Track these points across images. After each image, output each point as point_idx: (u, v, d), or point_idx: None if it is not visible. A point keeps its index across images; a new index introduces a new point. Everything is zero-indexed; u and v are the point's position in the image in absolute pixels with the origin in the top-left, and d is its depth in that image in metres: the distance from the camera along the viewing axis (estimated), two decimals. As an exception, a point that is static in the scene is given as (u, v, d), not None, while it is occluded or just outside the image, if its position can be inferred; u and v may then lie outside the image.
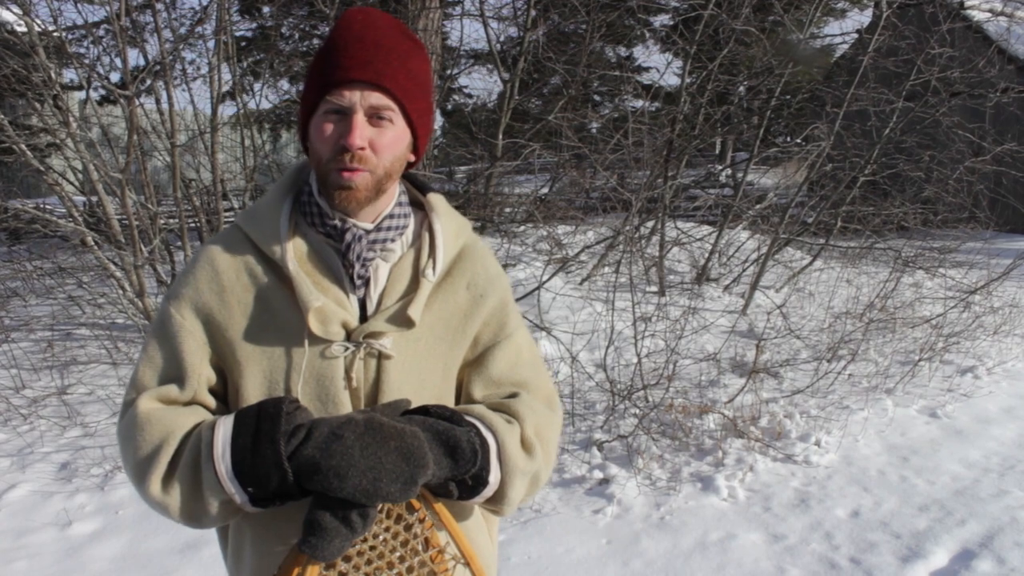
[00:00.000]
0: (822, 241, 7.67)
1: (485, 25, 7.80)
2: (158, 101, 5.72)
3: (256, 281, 1.09)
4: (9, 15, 5.42)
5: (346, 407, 1.07)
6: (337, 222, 1.08)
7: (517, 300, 5.59)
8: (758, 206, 8.10)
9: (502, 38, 9.32)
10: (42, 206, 6.95)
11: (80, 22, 11.33)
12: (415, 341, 1.11)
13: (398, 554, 1.01)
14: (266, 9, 10.11)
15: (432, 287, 1.12)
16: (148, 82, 5.67)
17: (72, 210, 5.37)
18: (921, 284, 7.92)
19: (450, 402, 1.17)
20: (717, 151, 14.23)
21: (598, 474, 3.58)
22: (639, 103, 11.13)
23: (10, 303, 6.26)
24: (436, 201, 1.18)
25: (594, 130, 10.77)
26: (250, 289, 1.09)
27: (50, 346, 5.32)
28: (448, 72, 10.42)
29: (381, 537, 1.00)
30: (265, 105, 10.58)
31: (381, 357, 1.09)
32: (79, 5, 6.18)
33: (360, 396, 1.09)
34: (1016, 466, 3.82)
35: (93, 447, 3.90)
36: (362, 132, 1.02)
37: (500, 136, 7.35)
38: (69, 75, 12.48)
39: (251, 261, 1.10)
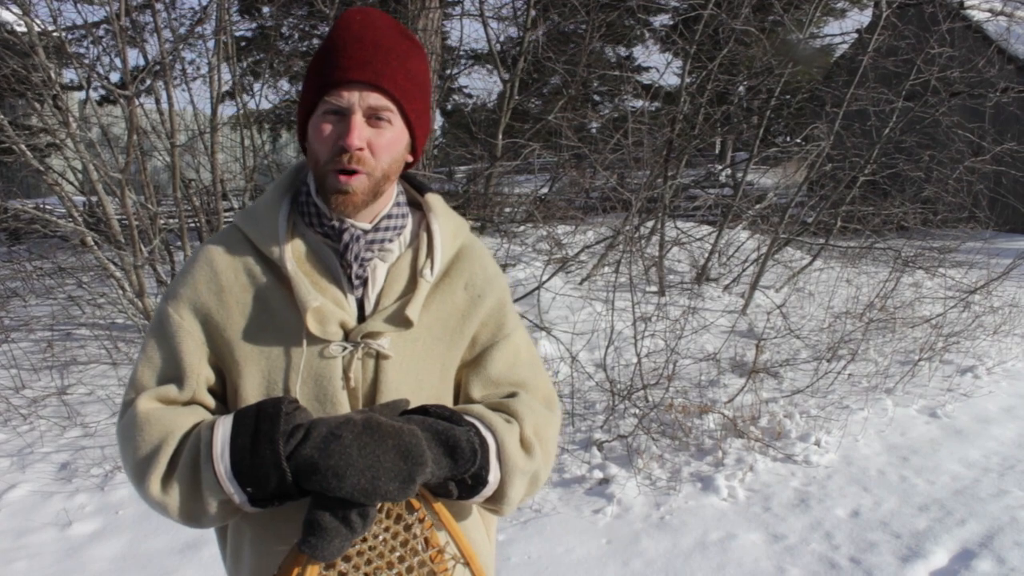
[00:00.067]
0: (822, 241, 7.67)
1: (485, 25, 7.81)
2: (158, 101, 5.72)
3: (254, 281, 1.09)
4: (9, 15, 5.42)
5: (344, 407, 1.07)
6: (335, 222, 1.08)
7: (517, 300, 5.60)
8: (758, 206, 8.10)
9: (502, 38, 9.33)
10: (42, 206, 6.95)
11: (80, 22, 11.34)
12: (413, 341, 1.11)
13: (398, 554, 1.01)
14: (266, 9, 10.11)
15: (430, 287, 1.13)
16: (148, 82, 5.67)
17: (72, 210, 5.37)
18: (921, 284, 7.92)
19: (448, 402, 1.17)
20: (717, 151, 14.23)
21: (598, 474, 3.58)
22: (639, 103, 11.13)
23: (10, 303, 6.26)
24: (434, 201, 1.18)
25: (594, 130, 10.77)
26: (248, 289, 1.09)
27: (50, 346, 5.32)
28: (448, 72, 10.42)
29: (381, 537, 1.00)
30: (265, 105, 10.59)
31: (379, 357, 1.09)
32: (79, 5, 6.18)
33: (358, 396, 1.09)
34: (1016, 466, 3.82)
35: (93, 447, 3.90)
36: (360, 133, 1.02)
37: (500, 136, 7.35)
38: (69, 75, 12.49)
39: (249, 261, 1.10)
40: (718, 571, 2.88)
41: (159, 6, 5.59)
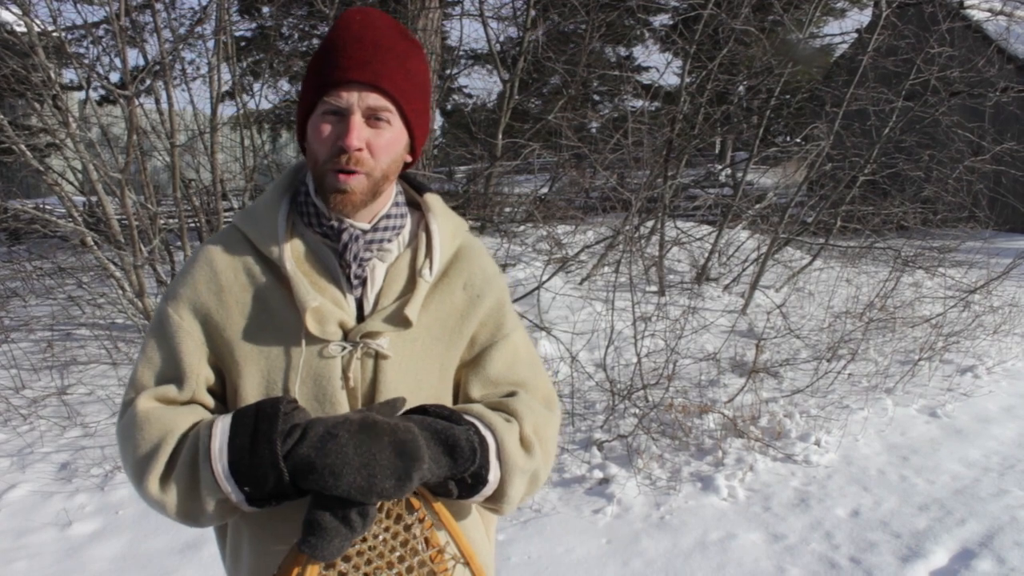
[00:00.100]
0: (822, 241, 7.67)
1: (485, 25, 7.81)
2: (158, 101, 5.72)
3: (254, 281, 1.09)
4: (9, 15, 5.42)
5: (343, 407, 1.07)
6: (334, 222, 1.08)
7: (517, 300, 5.60)
8: (758, 206, 8.10)
9: (502, 38, 9.32)
10: (42, 206, 6.95)
11: (80, 22, 11.34)
12: (412, 341, 1.11)
13: (398, 554, 1.01)
14: (266, 9, 10.11)
15: (429, 287, 1.13)
16: (148, 82, 5.67)
17: (72, 210, 5.36)
18: (921, 283, 7.92)
19: (447, 402, 1.17)
20: (717, 151, 14.23)
21: (598, 474, 3.58)
22: (639, 103, 11.12)
23: (10, 303, 6.26)
24: (433, 201, 1.18)
25: (594, 130, 10.77)
26: (248, 289, 1.09)
27: (50, 346, 5.32)
28: (448, 72, 10.42)
29: (381, 537, 1.00)
30: (265, 105, 10.59)
31: (378, 357, 1.09)
32: (79, 5, 6.19)
33: (357, 396, 1.09)
34: (1016, 465, 3.82)
35: (93, 447, 3.90)
36: (359, 133, 1.02)
37: (500, 136, 7.35)
38: (69, 75, 12.48)
39: (249, 261, 1.10)
40: (718, 571, 2.88)
41: (159, 6, 5.59)
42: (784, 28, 8.33)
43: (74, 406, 4.42)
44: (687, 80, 7.11)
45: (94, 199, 5.88)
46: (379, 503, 0.97)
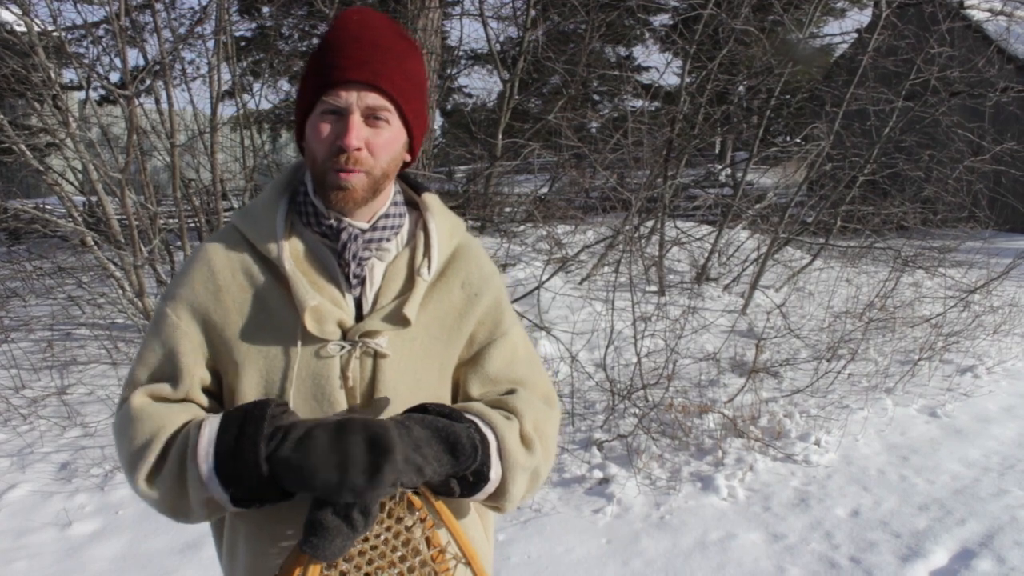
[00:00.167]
0: (822, 240, 7.67)
1: (485, 25, 7.80)
2: (158, 101, 5.72)
3: (252, 281, 1.10)
4: (9, 15, 5.41)
5: (342, 406, 1.08)
6: (333, 221, 1.08)
7: (517, 300, 5.60)
8: (758, 206, 8.10)
9: (502, 38, 9.32)
10: (42, 206, 6.94)
11: (79, 22, 11.33)
12: (411, 340, 1.11)
13: (399, 553, 1.01)
14: (265, 9, 10.10)
15: (427, 286, 1.13)
16: (148, 82, 5.67)
17: (72, 210, 5.36)
18: (921, 283, 7.92)
19: (447, 401, 1.17)
20: (717, 151, 14.23)
21: (598, 474, 3.58)
22: (639, 103, 11.12)
23: (10, 303, 6.26)
24: (431, 201, 1.19)
25: (594, 130, 10.77)
26: (246, 289, 1.09)
27: (50, 346, 5.32)
28: (448, 72, 10.42)
29: (382, 537, 1.00)
30: (265, 105, 10.59)
31: (377, 356, 1.09)
32: (79, 5, 6.18)
33: (356, 395, 1.09)
34: (1016, 465, 3.82)
35: (93, 447, 3.90)
36: (358, 133, 1.02)
37: (500, 136, 7.35)
38: (69, 75, 12.48)
39: (247, 260, 1.10)
40: (718, 571, 2.88)
41: (159, 6, 5.59)
42: (784, 28, 8.33)
43: (74, 406, 4.42)
44: (687, 80, 7.11)
45: (94, 199, 5.88)
46: (381, 502, 0.97)
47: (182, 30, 6.75)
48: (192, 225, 6.33)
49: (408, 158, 1.14)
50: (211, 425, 0.99)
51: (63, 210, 5.84)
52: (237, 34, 9.49)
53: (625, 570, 2.88)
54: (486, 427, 1.05)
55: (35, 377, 4.88)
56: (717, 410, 4.19)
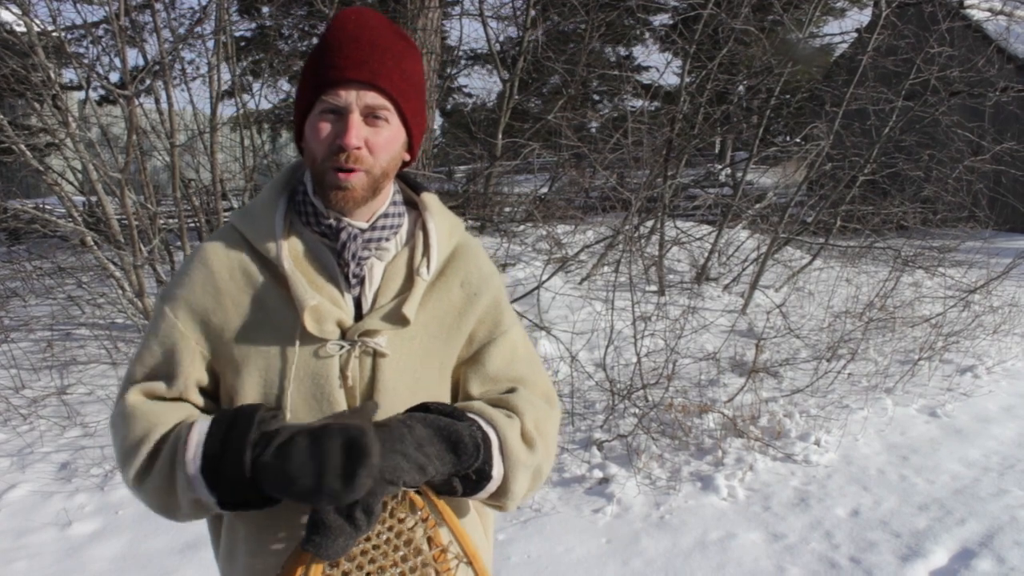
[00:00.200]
0: (822, 240, 7.67)
1: (484, 25, 7.80)
2: (157, 101, 5.72)
3: (251, 281, 1.10)
4: (8, 15, 5.41)
5: (341, 406, 1.08)
6: (332, 221, 1.09)
7: (517, 300, 5.60)
8: (757, 205, 8.10)
9: (501, 38, 9.31)
10: (41, 206, 6.94)
11: (79, 22, 11.33)
12: (410, 339, 1.11)
13: (401, 553, 1.01)
14: (265, 9, 10.10)
15: (426, 286, 1.13)
16: (147, 82, 5.67)
17: (71, 210, 5.36)
18: (921, 283, 7.92)
19: (446, 400, 1.17)
20: (717, 150, 14.23)
21: (598, 473, 3.58)
22: (638, 102, 11.12)
23: (10, 303, 6.26)
24: (429, 200, 1.19)
25: (593, 130, 10.78)
26: (245, 289, 1.10)
27: (50, 346, 5.32)
28: (447, 72, 10.42)
29: (384, 536, 1.00)
30: (264, 105, 10.59)
31: (376, 355, 1.09)
32: (78, 5, 6.18)
33: (356, 395, 1.09)
34: (1016, 465, 3.82)
35: (93, 447, 3.90)
36: (358, 132, 1.03)
37: (499, 136, 7.35)
38: (68, 75, 12.49)
39: (246, 260, 1.10)
40: (718, 570, 2.88)
41: (158, 6, 5.58)
42: (784, 28, 8.33)
43: (74, 406, 4.42)
44: (687, 80, 7.11)
45: (94, 199, 5.88)
46: (384, 501, 0.97)
47: (182, 30, 6.75)
48: (192, 225, 6.33)
49: (407, 157, 1.14)
50: (200, 427, 1.00)
51: (63, 210, 5.84)
52: (237, 34, 9.49)
53: (625, 570, 2.88)
54: (488, 425, 1.05)
55: (35, 377, 4.88)
56: (717, 410, 4.19)
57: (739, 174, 8.00)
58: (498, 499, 1.09)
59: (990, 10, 10.33)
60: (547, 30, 8.48)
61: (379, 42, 1.05)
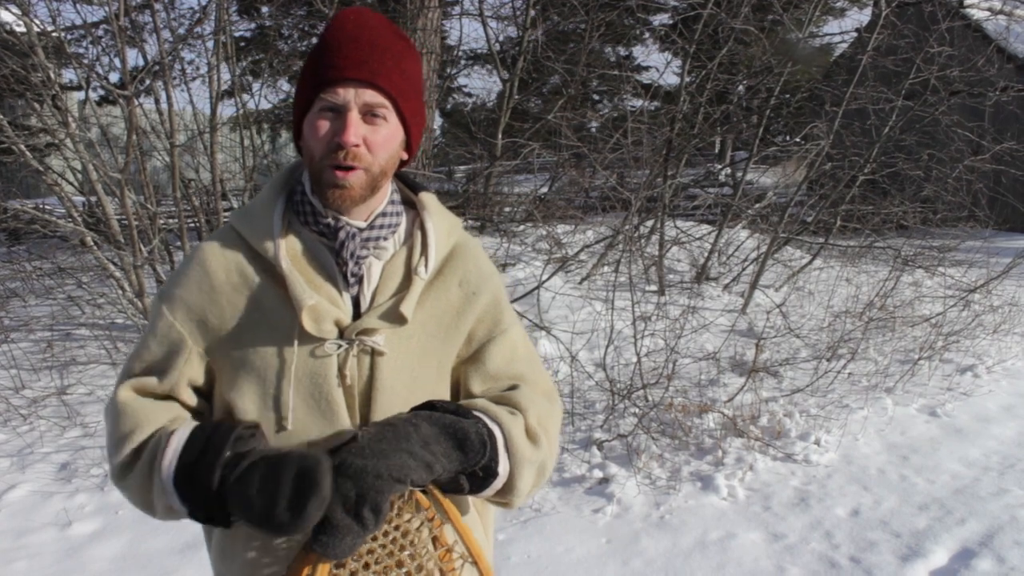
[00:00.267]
0: (821, 240, 7.67)
1: (484, 25, 7.80)
2: (157, 101, 5.72)
3: (248, 281, 1.10)
4: (8, 15, 5.41)
5: (340, 405, 1.08)
6: (330, 220, 1.09)
7: (517, 300, 5.59)
8: (757, 205, 8.10)
9: (501, 38, 9.31)
10: (41, 206, 6.94)
11: (79, 22, 11.33)
12: (407, 338, 1.12)
13: (407, 552, 1.01)
14: (265, 9, 10.10)
15: (424, 285, 1.13)
16: (147, 82, 5.67)
17: (71, 210, 5.36)
18: (921, 283, 7.92)
19: (446, 399, 1.17)
20: (716, 150, 14.22)
21: (598, 473, 3.58)
22: (638, 102, 11.12)
23: (10, 303, 6.26)
24: (428, 200, 1.19)
25: (593, 129, 10.77)
26: (242, 289, 1.10)
27: (50, 346, 5.32)
28: (447, 71, 10.42)
29: (391, 536, 1.00)
30: (264, 105, 10.60)
31: (374, 354, 1.09)
32: (78, 5, 6.18)
33: (354, 394, 1.09)
34: (1016, 464, 3.82)
35: (93, 447, 3.90)
36: (356, 129, 1.03)
37: (499, 135, 7.35)
38: (68, 75, 12.48)
39: (243, 260, 1.11)
40: (718, 570, 2.88)
41: (158, 6, 5.58)
42: (784, 27, 8.33)
43: (74, 406, 4.42)
44: (687, 80, 7.11)
45: (94, 199, 5.87)
46: (391, 500, 0.97)
47: (181, 30, 6.75)
48: (192, 225, 6.33)
49: (405, 156, 1.14)
50: (179, 436, 1.02)
51: (63, 210, 5.84)
52: (237, 34, 9.49)
53: (625, 570, 2.88)
54: (492, 422, 1.05)
55: (35, 377, 4.88)
56: (717, 410, 4.19)
57: (739, 174, 8.00)
58: (504, 496, 1.09)
59: (990, 10, 10.33)
60: (547, 30, 8.48)
61: (378, 42, 1.05)
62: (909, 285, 7.69)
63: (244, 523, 0.94)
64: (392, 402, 1.09)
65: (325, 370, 1.07)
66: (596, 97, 15.52)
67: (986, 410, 4.63)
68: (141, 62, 6.87)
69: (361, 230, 1.10)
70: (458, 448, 0.99)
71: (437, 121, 15.55)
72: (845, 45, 13.04)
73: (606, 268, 6.75)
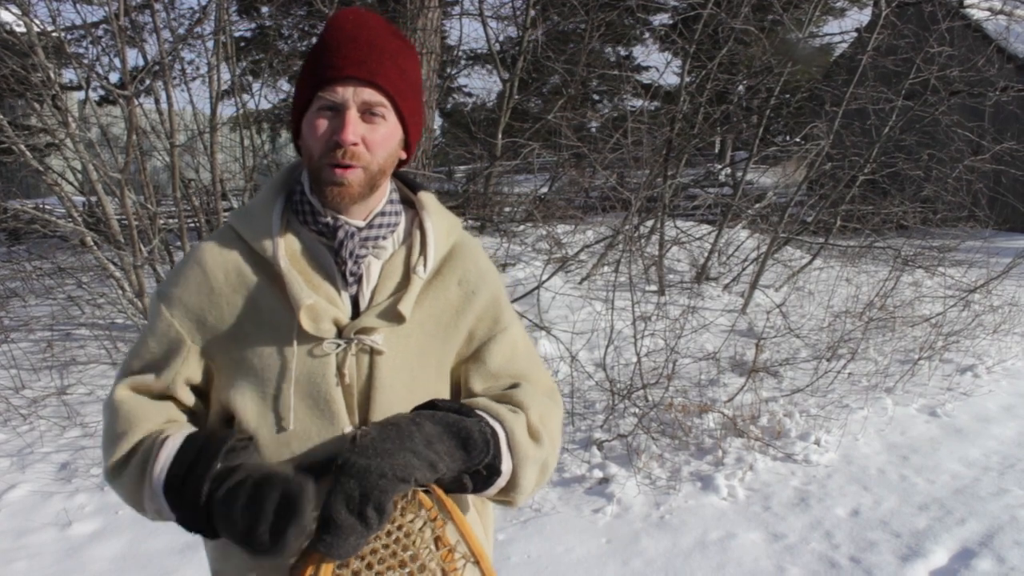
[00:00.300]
0: (821, 240, 7.67)
1: (484, 25, 7.80)
2: (157, 101, 5.72)
3: (246, 280, 1.10)
4: (8, 15, 5.41)
5: (338, 404, 1.08)
6: (329, 219, 1.09)
7: (517, 300, 5.59)
8: (757, 205, 8.10)
9: (501, 38, 9.32)
10: (41, 206, 6.94)
11: (79, 22, 11.32)
12: (406, 337, 1.12)
13: (409, 552, 1.01)
14: (265, 9, 10.10)
15: (423, 284, 1.13)
16: (147, 82, 5.67)
17: (71, 210, 5.37)
18: (921, 283, 7.92)
19: (445, 398, 1.17)
20: (716, 150, 14.23)
21: (598, 473, 3.58)
22: (638, 102, 11.12)
23: (10, 303, 6.26)
24: (427, 199, 1.19)
25: (593, 129, 10.77)
26: (240, 289, 1.10)
27: (50, 346, 5.32)
28: (447, 71, 10.42)
29: (394, 535, 1.00)
30: (264, 105, 10.60)
31: (373, 353, 1.09)
32: (78, 5, 6.18)
33: (353, 393, 1.09)
34: (1016, 464, 3.82)
35: (93, 447, 3.90)
36: (355, 128, 1.03)
37: (499, 136, 7.35)
38: (68, 75, 12.49)
39: (242, 260, 1.11)
40: (718, 570, 2.88)
41: (158, 6, 5.58)
42: (784, 27, 8.33)
43: (74, 406, 4.42)
44: (687, 80, 7.11)
45: (94, 199, 5.88)
46: (394, 500, 0.97)
47: (181, 30, 6.76)
48: (192, 225, 6.33)
49: (404, 156, 1.14)
50: (172, 444, 1.02)
51: (63, 210, 5.84)
52: (236, 34, 9.49)
53: (625, 570, 2.88)
54: (494, 421, 1.05)
55: (35, 377, 4.88)
56: (717, 410, 4.19)
57: (739, 174, 8.00)
58: (507, 494, 1.09)
59: (990, 10, 10.33)
60: (547, 30, 8.48)
61: (376, 41, 1.05)
62: (909, 285, 7.69)
63: (228, 540, 0.95)
64: (391, 401, 1.09)
65: (324, 369, 1.07)
66: (596, 97, 15.51)
67: (986, 410, 4.63)
68: (141, 62, 6.87)
69: (360, 229, 1.10)
70: (461, 447, 0.99)
71: (437, 121, 15.55)
72: (845, 45, 13.05)
73: (606, 268, 6.75)
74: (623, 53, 15.11)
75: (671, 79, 14.33)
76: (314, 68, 1.05)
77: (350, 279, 1.10)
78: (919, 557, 2.94)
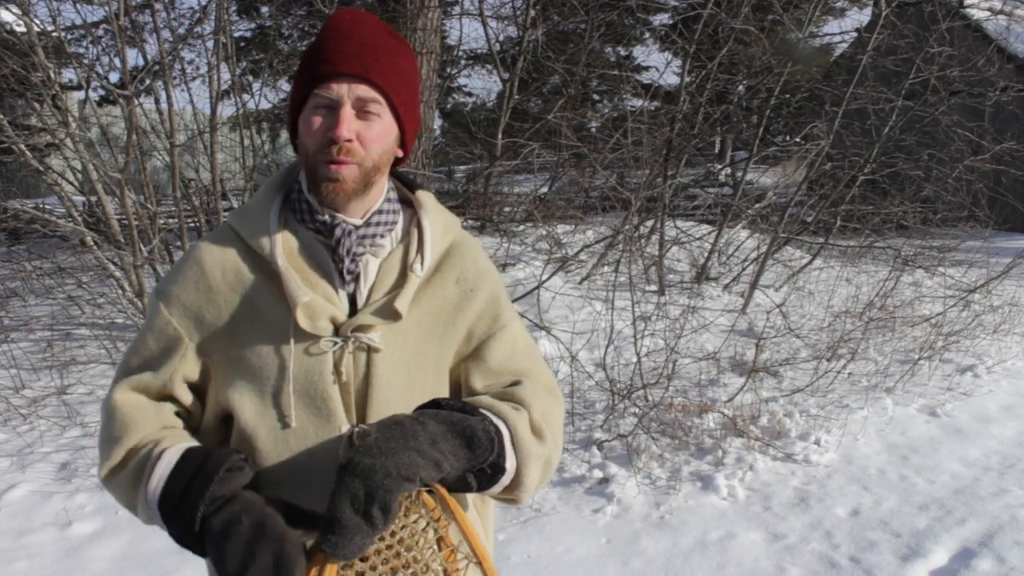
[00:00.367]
0: (821, 240, 7.67)
1: (484, 25, 7.80)
2: (157, 101, 5.72)
3: (243, 278, 1.11)
4: (8, 15, 5.41)
5: (336, 402, 1.08)
6: (326, 217, 1.09)
7: (517, 300, 5.59)
8: (757, 205, 8.10)
9: (501, 37, 9.32)
10: (41, 206, 6.94)
11: (79, 22, 11.32)
12: (403, 335, 1.12)
13: (413, 553, 1.01)
14: (265, 9, 10.10)
15: (421, 282, 1.14)
16: (147, 82, 5.67)
17: (71, 210, 5.37)
18: (921, 283, 7.92)
19: (444, 396, 1.17)
20: (716, 150, 14.23)
21: (598, 473, 3.58)
22: (638, 102, 11.12)
23: (10, 303, 6.26)
24: (424, 198, 1.20)
25: (593, 129, 10.77)
26: (237, 287, 1.10)
27: (50, 346, 5.32)
28: (447, 71, 10.42)
29: (397, 536, 0.99)
30: (264, 105, 10.59)
31: (370, 351, 1.09)
32: (78, 5, 6.19)
33: (350, 391, 1.09)
34: (1016, 464, 3.82)
35: (93, 447, 3.90)
36: (349, 124, 1.04)
37: (499, 135, 7.35)
38: (68, 75, 12.49)
39: (239, 258, 1.11)
40: (718, 570, 2.88)
41: (158, 6, 5.58)
42: (784, 27, 8.33)
43: (74, 406, 4.42)
44: (687, 80, 7.11)
45: (94, 199, 5.88)
46: (399, 500, 0.97)
47: (181, 30, 6.76)
48: (192, 225, 6.33)
49: (400, 153, 1.15)
50: (169, 458, 1.01)
51: (63, 210, 5.84)
52: (236, 34, 9.49)
53: (625, 570, 2.88)
54: (497, 419, 1.05)
55: (35, 377, 4.88)
56: (717, 410, 4.19)
57: (739, 174, 8.00)
58: (511, 492, 1.09)
59: (990, 10, 10.33)
60: (547, 30, 8.48)
61: (370, 40, 1.06)
62: (909, 285, 7.69)
63: (218, 568, 0.94)
64: (388, 399, 1.09)
65: (321, 367, 1.07)
66: (596, 97, 15.51)
67: (986, 410, 4.63)
68: (141, 62, 6.88)
69: (357, 227, 1.10)
70: (466, 446, 0.98)
71: (437, 121, 15.55)
72: (845, 45, 13.05)
73: (606, 268, 6.75)
74: (623, 53, 15.11)
75: (671, 79, 14.34)
76: (309, 66, 1.06)
77: (347, 277, 1.10)
78: (919, 557, 2.94)
